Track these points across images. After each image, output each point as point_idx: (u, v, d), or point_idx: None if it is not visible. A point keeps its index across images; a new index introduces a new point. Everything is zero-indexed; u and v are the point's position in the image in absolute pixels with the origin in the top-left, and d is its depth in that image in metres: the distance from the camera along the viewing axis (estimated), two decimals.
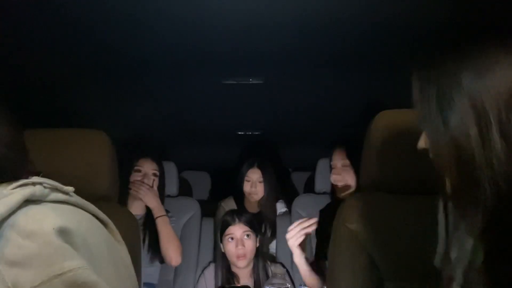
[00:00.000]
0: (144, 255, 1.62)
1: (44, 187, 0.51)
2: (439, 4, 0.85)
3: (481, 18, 0.89)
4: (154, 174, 1.75)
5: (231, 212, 1.75)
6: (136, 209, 1.70)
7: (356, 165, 1.42)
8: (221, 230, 1.71)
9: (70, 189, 0.54)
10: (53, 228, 0.46)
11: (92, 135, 0.97)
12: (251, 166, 2.07)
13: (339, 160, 1.53)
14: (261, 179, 2.04)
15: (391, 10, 0.87)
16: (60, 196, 0.52)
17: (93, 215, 0.57)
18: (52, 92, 1.41)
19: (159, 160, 1.81)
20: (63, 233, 0.46)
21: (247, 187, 2.05)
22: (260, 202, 2.07)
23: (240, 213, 1.74)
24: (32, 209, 0.48)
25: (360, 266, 0.87)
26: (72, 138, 0.96)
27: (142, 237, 1.62)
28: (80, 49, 1.07)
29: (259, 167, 2.06)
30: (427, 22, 0.93)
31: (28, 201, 0.48)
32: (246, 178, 2.06)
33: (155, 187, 1.74)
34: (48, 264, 0.43)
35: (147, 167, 1.74)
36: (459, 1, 0.83)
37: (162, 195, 1.80)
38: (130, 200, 1.72)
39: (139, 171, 1.72)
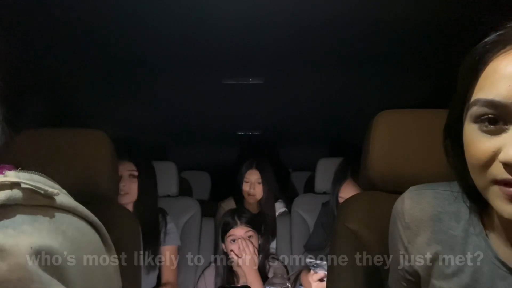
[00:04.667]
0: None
1: (23, 189, 0.42)
2: (440, 4, 0.85)
3: (481, 18, 0.89)
4: (131, 175, 1.60)
5: (232, 213, 1.74)
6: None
7: None
8: (222, 231, 1.71)
9: (55, 191, 0.45)
10: (31, 248, 0.38)
11: (92, 135, 0.97)
12: (249, 167, 2.07)
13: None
14: (260, 180, 2.03)
15: (391, 10, 0.87)
16: (41, 200, 0.44)
17: (82, 217, 0.50)
18: (52, 92, 1.41)
19: (138, 160, 1.65)
20: (42, 253, 0.39)
21: (246, 188, 2.05)
22: (259, 203, 2.07)
23: (240, 213, 1.73)
24: (6, 220, 0.40)
25: (360, 266, 0.87)
26: (72, 138, 0.96)
27: None
28: (80, 49, 1.07)
29: (258, 168, 2.05)
30: (427, 22, 0.93)
31: (2, 206, 0.41)
32: (245, 179, 2.05)
33: (135, 189, 1.61)
34: None
35: (122, 169, 1.58)
36: (459, 1, 0.83)
37: (151, 196, 1.68)
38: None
39: None
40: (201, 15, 0.89)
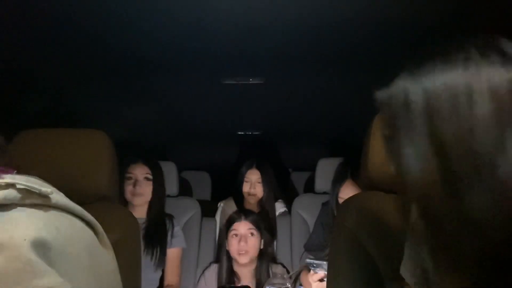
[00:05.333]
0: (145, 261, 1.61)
1: (18, 189, 0.44)
2: (439, 4, 0.85)
3: (480, 18, 0.89)
4: (146, 178, 1.70)
5: (238, 210, 1.80)
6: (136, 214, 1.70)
7: None
8: (226, 226, 1.73)
9: (49, 191, 0.47)
10: (25, 240, 0.40)
11: (92, 135, 0.97)
12: (250, 167, 2.07)
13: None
14: (260, 180, 2.04)
15: (391, 10, 0.88)
16: (36, 199, 0.46)
17: (78, 216, 0.51)
18: (52, 92, 1.41)
19: (152, 163, 1.75)
20: (37, 245, 0.41)
21: (246, 188, 2.05)
22: (259, 203, 2.07)
23: (246, 211, 1.77)
24: (1, 216, 0.42)
25: (360, 266, 0.87)
26: (72, 138, 0.96)
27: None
28: (80, 49, 1.07)
29: (258, 168, 2.05)
30: (427, 22, 0.93)
31: None
32: (245, 179, 2.06)
33: (149, 191, 1.70)
34: (15, 281, 0.38)
35: (138, 172, 1.69)
36: (459, 2, 0.84)
37: (162, 198, 1.76)
38: (130, 207, 1.71)
39: (130, 178, 1.68)
40: (201, 15, 0.89)
